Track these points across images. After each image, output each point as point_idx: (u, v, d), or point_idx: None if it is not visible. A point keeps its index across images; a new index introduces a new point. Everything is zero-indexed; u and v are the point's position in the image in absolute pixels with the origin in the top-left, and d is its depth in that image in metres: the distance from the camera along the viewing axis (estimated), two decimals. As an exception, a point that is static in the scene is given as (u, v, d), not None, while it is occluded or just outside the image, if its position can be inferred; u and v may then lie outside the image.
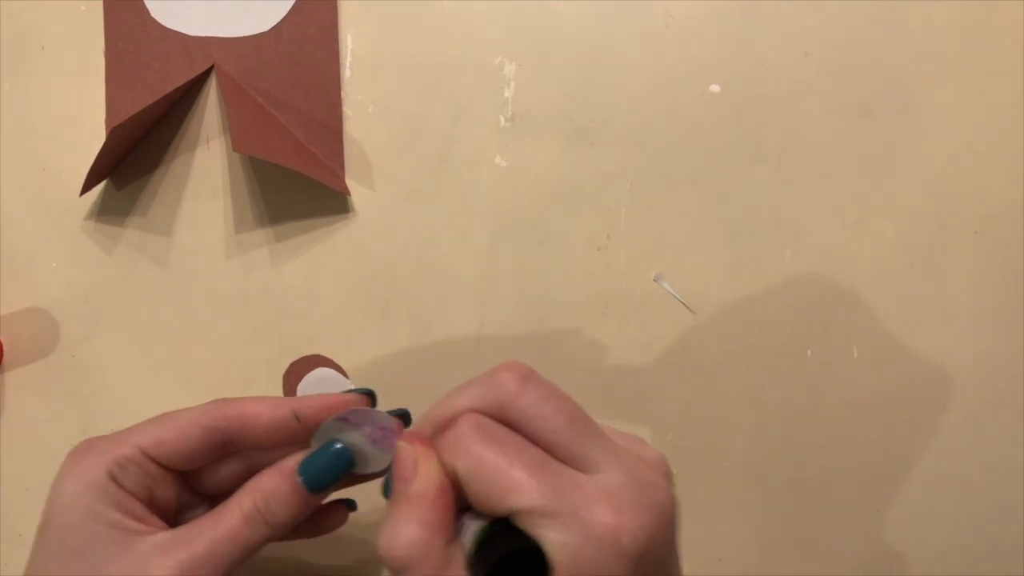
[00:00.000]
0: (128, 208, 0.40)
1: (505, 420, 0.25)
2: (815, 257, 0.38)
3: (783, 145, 0.38)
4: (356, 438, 0.29)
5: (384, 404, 0.39)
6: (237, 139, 0.35)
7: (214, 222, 0.39)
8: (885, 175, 0.38)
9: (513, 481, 0.23)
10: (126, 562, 0.27)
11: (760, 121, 0.38)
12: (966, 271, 0.38)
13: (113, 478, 0.28)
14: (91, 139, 0.39)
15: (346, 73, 0.39)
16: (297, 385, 0.39)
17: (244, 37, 0.39)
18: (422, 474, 0.25)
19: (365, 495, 0.31)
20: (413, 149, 0.39)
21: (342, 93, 0.39)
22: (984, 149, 0.38)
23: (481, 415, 0.25)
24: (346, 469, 0.29)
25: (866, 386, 0.38)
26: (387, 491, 0.26)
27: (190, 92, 0.39)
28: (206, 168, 0.39)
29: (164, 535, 0.27)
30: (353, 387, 0.39)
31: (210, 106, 0.39)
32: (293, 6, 0.38)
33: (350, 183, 0.39)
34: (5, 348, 0.39)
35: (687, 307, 0.38)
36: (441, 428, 0.26)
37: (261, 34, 0.39)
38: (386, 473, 0.29)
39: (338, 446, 0.29)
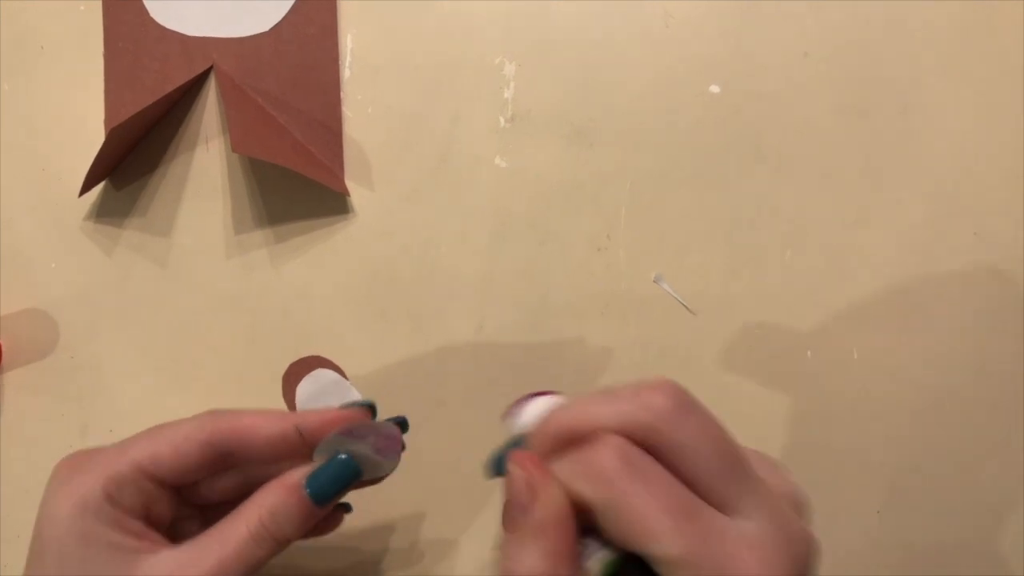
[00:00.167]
0: (127, 209, 0.40)
1: (651, 447, 0.23)
2: (815, 258, 0.38)
3: (783, 145, 0.38)
4: (361, 448, 0.29)
5: (384, 404, 0.38)
6: (236, 139, 0.35)
7: (213, 223, 0.39)
8: (885, 176, 0.38)
9: (658, 527, 0.21)
10: None
11: (760, 121, 0.38)
12: (966, 272, 0.37)
13: (109, 497, 0.27)
14: (90, 139, 0.39)
15: (345, 73, 0.39)
16: (296, 386, 0.39)
17: (243, 37, 0.39)
18: (543, 502, 0.23)
19: (357, 496, 0.31)
20: (413, 149, 0.39)
21: (341, 93, 0.39)
22: (984, 149, 0.38)
23: (626, 442, 0.23)
24: (353, 479, 0.28)
25: (866, 387, 0.38)
26: (505, 521, 0.24)
27: (189, 92, 0.39)
28: (205, 168, 0.39)
29: (168, 554, 0.27)
30: (352, 387, 0.39)
31: (209, 106, 0.39)
32: (292, 6, 0.38)
33: (349, 184, 0.39)
34: (4, 349, 0.39)
35: (687, 308, 0.38)
36: (571, 441, 0.23)
37: (260, 34, 0.39)
38: (385, 476, 0.29)
39: (343, 456, 0.28)
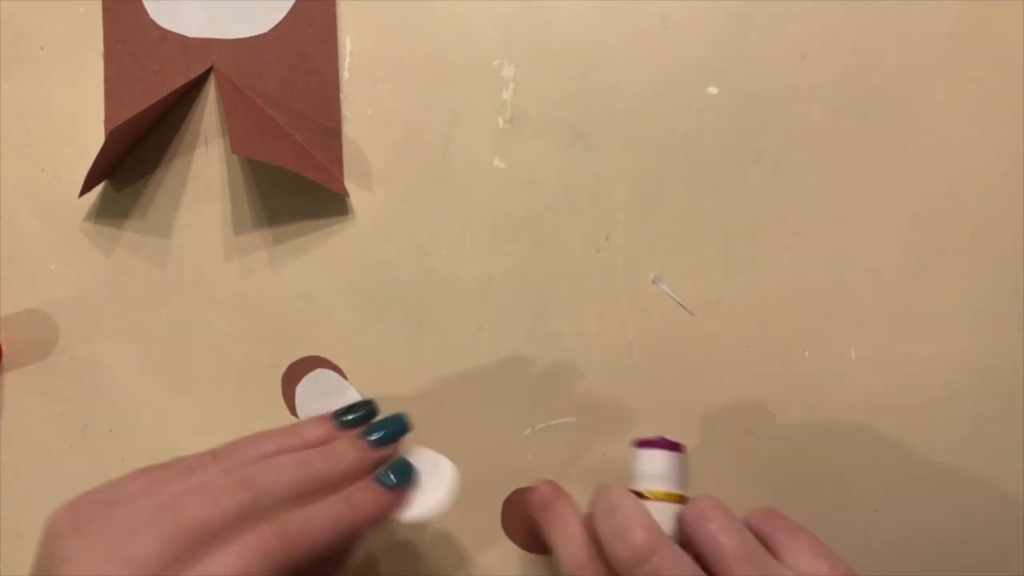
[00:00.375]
0: (127, 209, 0.40)
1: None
2: (813, 259, 0.38)
3: (781, 147, 0.38)
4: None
5: (383, 404, 0.39)
6: (236, 141, 0.35)
7: (213, 224, 0.39)
8: (882, 177, 0.38)
9: None
10: None
11: (758, 123, 0.38)
12: (963, 272, 0.38)
13: None
14: (90, 140, 0.39)
15: (345, 75, 0.39)
16: (296, 386, 0.39)
17: (243, 39, 0.39)
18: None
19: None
20: (412, 151, 0.39)
21: (341, 95, 0.39)
22: (982, 151, 0.38)
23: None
24: (404, 431, 0.32)
25: (864, 387, 0.38)
26: None
27: (189, 94, 0.39)
28: (205, 170, 0.39)
29: None
30: (351, 386, 0.39)
31: (209, 108, 0.39)
32: (292, 8, 0.38)
33: (349, 185, 0.39)
34: (4, 349, 0.39)
35: (685, 308, 0.38)
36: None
37: (260, 36, 0.39)
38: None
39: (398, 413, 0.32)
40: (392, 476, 0.31)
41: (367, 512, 0.30)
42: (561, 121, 0.38)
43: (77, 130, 0.39)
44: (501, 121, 0.39)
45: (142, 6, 0.39)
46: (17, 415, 0.40)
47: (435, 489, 0.32)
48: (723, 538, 0.29)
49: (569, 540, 0.34)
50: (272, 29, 0.39)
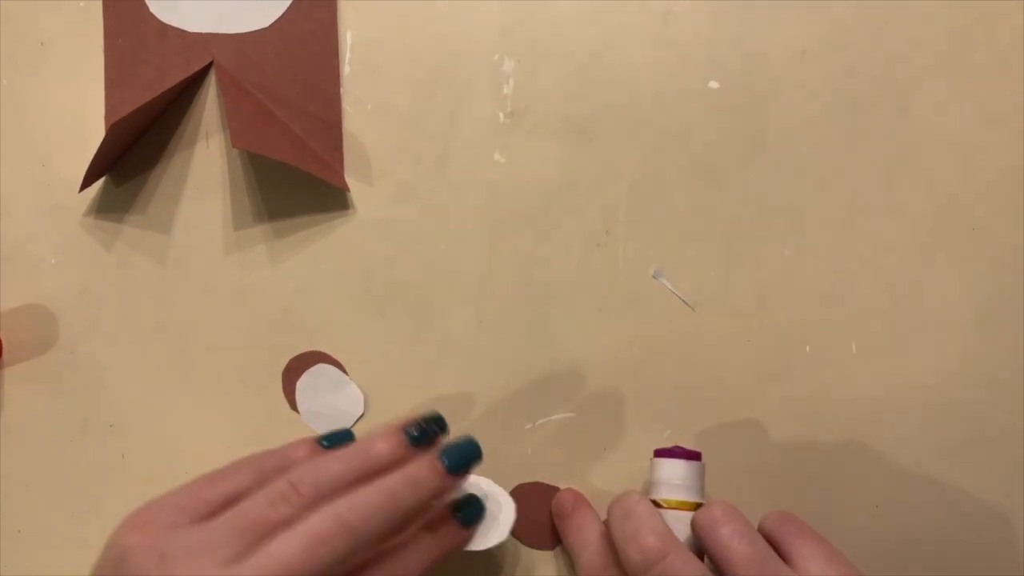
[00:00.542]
0: (127, 204, 0.40)
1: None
2: (813, 253, 0.38)
3: (782, 142, 0.38)
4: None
5: (383, 399, 0.39)
6: (236, 135, 0.35)
7: (213, 218, 0.39)
8: (883, 171, 0.38)
9: None
10: None
11: (759, 118, 0.38)
12: (964, 267, 0.38)
13: None
14: (90, 135, 0.39)
15: (345, 69, 0.39)
16: (296, 381, 0.39)
17: (243, 33, 0.39)
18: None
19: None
20: (412, 146, 0.39)
21: (341, 89, 0.39)
22: (982, 146, 0.38)
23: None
24: (477, 457, 0.32)
25: (865, 382, 0.38)
26: None
27: (189, 88, 0.39)
28: (205, 164, 0.39)
29: None
30: (352, 382, 0.39)
31: (209, 102, 0.39)
32: (292, 3, 0.38)
33: (349, 179, 0.39)
34: (5, 344, 0.39)
35: (686, 303, 0.38)
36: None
37: (261, 30, 0.39)
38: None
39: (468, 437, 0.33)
40: (471, 516, 0.33)
41: (446, 549, 0.32)
42: (562, 116, 0.38)
43: (77, 125, 0.39)
44: (501, 115, 0.39)
45: (143, 1, 0.39)
46: (17, 410, 0.40)
47: (496, 523, 0.34)
48: (734, 543, 0.30)
49: (587, 547, 0.34)
50: (273, 24, 0.39)
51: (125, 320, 0.40)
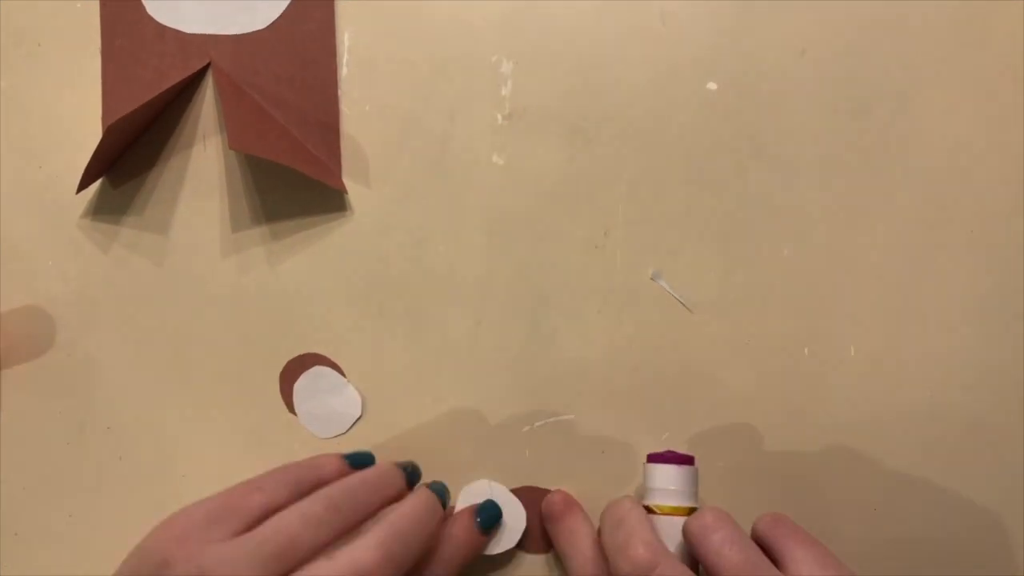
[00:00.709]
0: (124, 206, 0.40)
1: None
2: (812, 255, 0.38)
3: (780, 143, 0.38)
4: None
5: (381, 401, 0.39)
6: (233, 137, 0.35)
7: (210, 220, 0.39)
8: (882, 173, 0.38)
9: None
10: None
11: (757, 119, 0.38)
12: (962, 270, 0.37)
13: None
14: (87, 136, 0.39)
15: (343, 71, 0.39)
16: (294, 383, 0.39)
17: (241, 35, 0.39)
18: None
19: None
20: (410, 147, 0.39)
21: (339, 91, 0.39)
22: (981, 148, 0.38)
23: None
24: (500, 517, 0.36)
25: (863, 384, 0.37)
26: None
27: (187, 90, 0.39)
28: (202, 166, 0.39)
29: None
30: (349, 384, 0.39)
31: (207, 104, 0.39)
32: (290, 4, 0.38)
33: (347, 181, 0.39)
34: (1, 346, 0.39)
35: (684, 305, 0.38)
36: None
37: (258, 31, 0.39)
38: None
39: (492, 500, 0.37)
40: (490, 522, 0.36)
41: (468, 557, 0.35)
42: (560, 117, 0.38)
43: (74, 126, 0.39)
44: (499, 117, 0.38)
45: (140, 2, 0.39)
46: (14, 412, 0.40)
47: (508, 528, 0.37)
48: (725, 550, 0.30)
49: (578, 554, 0.34)
50: (270, 25, 0.39)
51: (122, 322, 0.39)
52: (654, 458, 0.34)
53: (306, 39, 0.38)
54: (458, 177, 0.39)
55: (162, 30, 0.39)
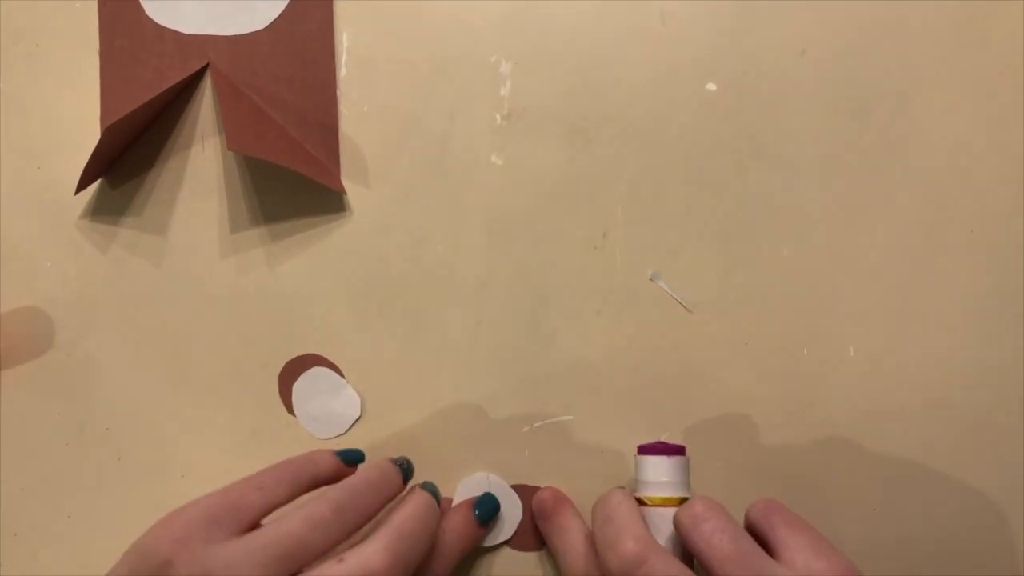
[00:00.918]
0: (123, 207, 0.40)
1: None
2: (812, 256, 0.38)
3: (780, 143, 0.38)
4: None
5: (381, 402, 0.39)
6: (232, 137, 0.35)
7: (209, 221, 0.39)
8: (882, 174, 0.38)
9: None
10: None
11: (757, 119, 0.38)
12: (962, 270, 0.37)
13: None
14: (86, 137, 0.38)
15: (342, 71, 0.39)
16: (293, 384, 0.39)
17: (239, 35, 0.38)
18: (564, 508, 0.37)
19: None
20: (409, 147, 0.39)
21: (338, 91, 0.39)
22: (981, 148, 0.37)
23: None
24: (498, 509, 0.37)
25: (863, 385, 0.37)
26: None
27: (185, 90, 0.39)
28: (201, 167, 0.39)
29: None
30: (348, 385, 0.39)
31: (205, 104, 0.39)
32: (288, 4, 0.38)
33: (346, 182, 0.39)
34: (1, 346, 0.39)
35: (684, 306, 0.38)
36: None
37: (257, 32, 0.38)
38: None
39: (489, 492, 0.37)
40: (489, 515, 0.37)
41: (467, 549, 0.36)
42: (559, 117, 0.38)
43: (73, 127, 0.39)
44: (498, 117, 0.38)
45: (138, 3, 0.39)
46: (13, 413, 0.40)
47: (505, 520, 0.37)
48: (716, 540, 0.29)
49: (570, 551, 0.34)
50: (269, 26, 0.38)
51: (121, 322, 0.39)
52: (644, 450, 0.34)
53: (305, 39, 0.38)
54: (457, 177, 0.38)
55: (161, 30, 0.39)
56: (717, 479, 0.37)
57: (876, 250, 0.38)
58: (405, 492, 0.34)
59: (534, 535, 0.38)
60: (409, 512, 0.31)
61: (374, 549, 0.29)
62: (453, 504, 0.37)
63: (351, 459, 0.34)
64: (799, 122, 0.38)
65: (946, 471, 0.37)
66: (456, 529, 0.35)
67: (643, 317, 0.38)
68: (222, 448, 0.39)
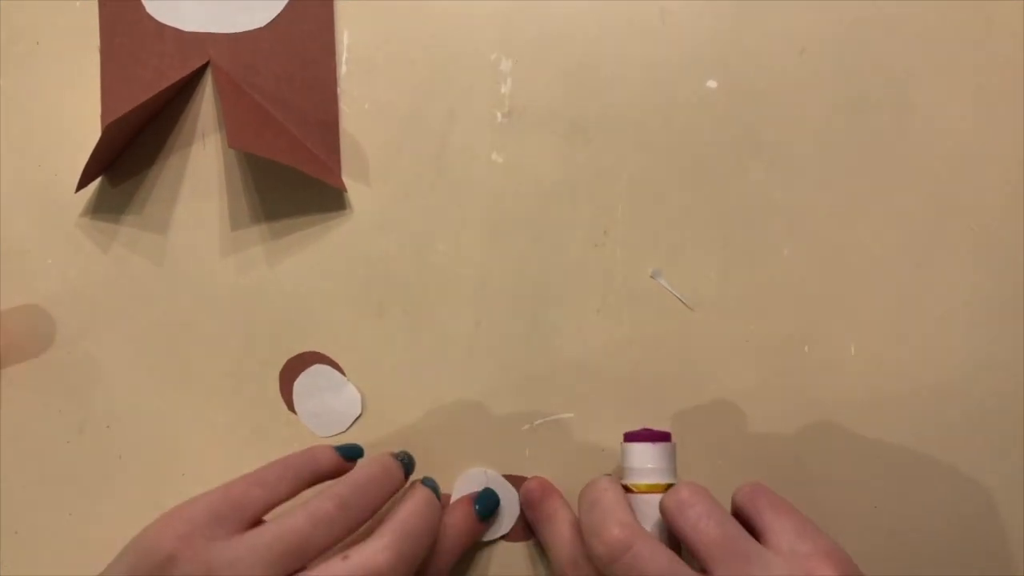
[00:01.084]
0: (124, 205, 0.39)
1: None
2: (812, 253, 0.38)
3: (780, 141, 0.38)
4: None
5: (381, 400, 0.39)
6: (233, 135, 0.35)
7: (210, 219, 0.39)
8: (882, 171, 0.38)
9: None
10: None
11: (757, 117, 0.38)
12: (962, 267, 0.37)
13: None
14: (86, 135, 0.38)
15: (342, 69, 0.39)
16: (294, 382, 0.39)
17: (240, 33, 0.38)
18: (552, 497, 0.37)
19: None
20: (409, 145, 0.39)
21: (338, 89, 0.39)
22: (981, 146, 0.37)
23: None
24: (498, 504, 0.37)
25: (863, 382, 0.37)
26: None
27: (186, 88, 0.39)
28: (202, 165, 0.39)
29: None
30: (349, 383, 0.39)
31: (206, 102, 0.39)
32: (289, 2, 0.38)
33: (346, 180, 0.39)
34: (1, 345, 0.39)
35: (684, 304, 0.38)
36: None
37: (257, 30, 0.38)
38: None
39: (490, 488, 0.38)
40: (489, 510, 0.37)
41: (467, 544, 0.36)
42: (559, 115, 0.38)
43: (74, 125, 0.39)
44: (499, 115, 0.38)
45: (139, 1, 0.39)
46: (14, 411, 0.40)
47: (504, 515, 0.38)
48: (702, 525, 0.29)
49: (558, 539, 0.34)
50: (269, 23, 0.39)
51: (122, 321, 0.39)
52: (630, 437, 0.34)
53: (305, 38, 0.38)
54: (457, 175, 0.38)
55: (161, 29, 0.39)
56: (716, 476, 0.37)
57: (877, 248, 0.38)
58: (406, 487, 0.34)
59: (523, 526, 0.38)
60: (411, 509, 0.31)
61: (378, 547, 0.29)
62: (451, 500, 0.37)
63: (351, 454, 0.34)
64: (799, 120, 0.38)
65: (947, 468, 0.37)
66: (457, 525, 0.35)
67: (644, 315, 0.38)
68: (223, 446, 0.39)
